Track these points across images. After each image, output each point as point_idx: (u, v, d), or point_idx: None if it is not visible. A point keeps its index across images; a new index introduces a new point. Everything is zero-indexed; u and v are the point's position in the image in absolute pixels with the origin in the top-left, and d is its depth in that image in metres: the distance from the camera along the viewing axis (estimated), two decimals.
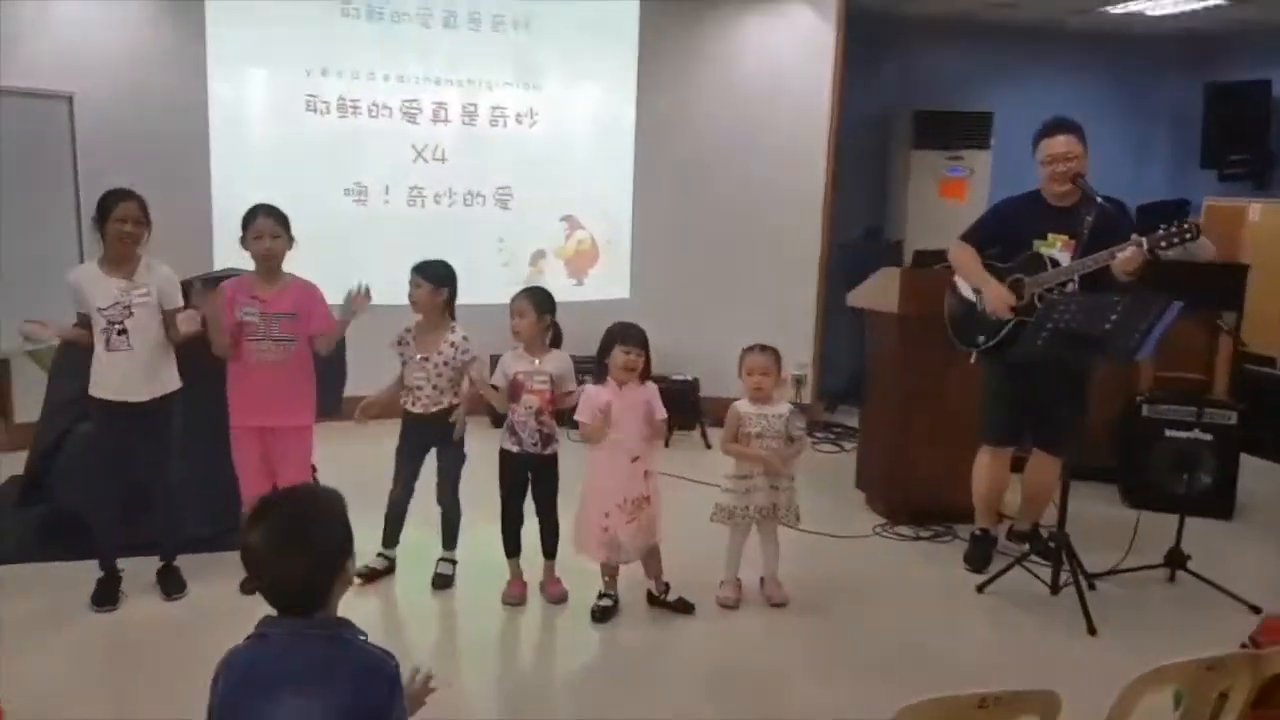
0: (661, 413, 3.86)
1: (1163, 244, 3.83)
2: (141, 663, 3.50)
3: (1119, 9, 6.93)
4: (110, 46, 5.92)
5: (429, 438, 4.13)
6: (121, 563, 3.93)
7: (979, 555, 4.48)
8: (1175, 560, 4.30)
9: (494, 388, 3.96)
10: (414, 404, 4.09)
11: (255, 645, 1.79)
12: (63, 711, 3.14)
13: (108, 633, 3.70)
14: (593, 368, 3.91)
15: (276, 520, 1.80)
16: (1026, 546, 4.38)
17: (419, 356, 4.06)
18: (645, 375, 3.86)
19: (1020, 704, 1.89)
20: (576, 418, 3.84)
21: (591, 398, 3.82)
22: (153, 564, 4.00)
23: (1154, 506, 4.64)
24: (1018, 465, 4.62)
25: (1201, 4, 6.69)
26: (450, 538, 4.24)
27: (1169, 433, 5.22)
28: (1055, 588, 4.06)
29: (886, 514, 5.07)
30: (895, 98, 7.58)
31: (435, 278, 4.05)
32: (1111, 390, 5.31)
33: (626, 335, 3.81)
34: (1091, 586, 4.14)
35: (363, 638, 1.82)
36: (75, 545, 4.05)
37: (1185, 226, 3.81)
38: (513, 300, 3.93)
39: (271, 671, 1.74)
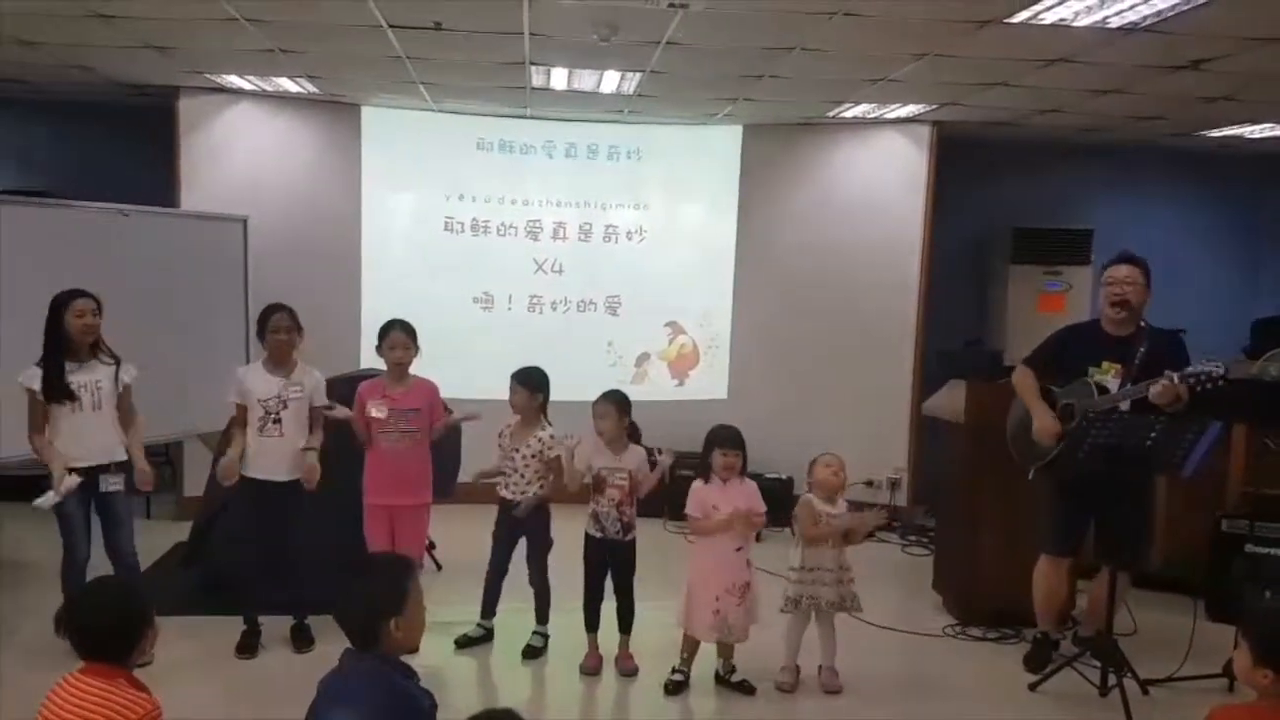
0: (761, 506, 4.28)
1: (1191, 380, 4.02)
2: (271, 704, 4.08)
3: (1217, 133, 7.10)
4: (279, 175, 6.92)
5: (518, 524, 4.63)
6: (263, 619, 4.58)
7: (1038, 657, 4.66)
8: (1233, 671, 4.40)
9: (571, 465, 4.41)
10: (505, 489, 4.62)
11: (334, 670, 2.34)
12: None
13: (246, 677, 4.33)
14: (696, 464, 4.37)
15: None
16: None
17: (512, 449, 4.60)
18: (743, 471, 4.30)
19: None
20: (687, 513, 4.30)
21: (701, 496, 4.26)
22: (288, 621, 4.62)
23: (1235, 620, 4.72)
24: (1088, 572, 4.80)
25: None
26: (542, 614, 4.72)
27: (1249, 548, 5.29)
28: (1104, 690, 4.22)
29: (960, 615, 5.27)
30: (995, 215, 7.84)
31: (530, 383, 4.61)
32: (1200, 505, 5.43)
33: (724, 439, 4.28)
34: (1145, 692, 4.30)
35: (413, 678, 2.32)
36: (226, 602, 4.70)
37: (1215, 367, 4.01)
38: (595, 404, 4.44)
39: (335, 689, 2.29)
